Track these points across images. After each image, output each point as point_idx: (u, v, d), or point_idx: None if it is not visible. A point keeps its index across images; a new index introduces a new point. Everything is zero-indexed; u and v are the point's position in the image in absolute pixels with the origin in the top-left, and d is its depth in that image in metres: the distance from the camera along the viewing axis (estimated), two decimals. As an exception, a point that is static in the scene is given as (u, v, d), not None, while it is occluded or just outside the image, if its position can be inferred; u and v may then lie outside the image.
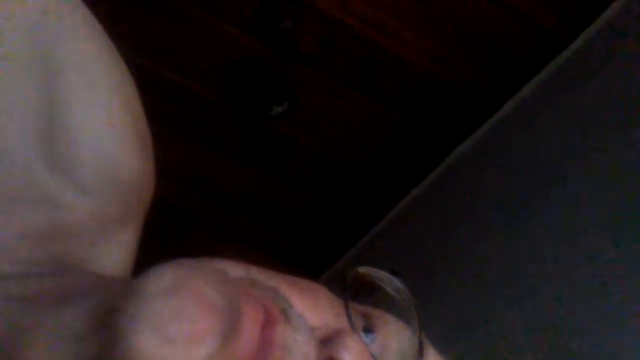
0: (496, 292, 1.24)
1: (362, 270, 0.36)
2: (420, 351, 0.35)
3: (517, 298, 1.19)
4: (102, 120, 0.43)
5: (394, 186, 1.69)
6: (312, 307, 0.32)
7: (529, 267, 1.20)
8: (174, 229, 1.76)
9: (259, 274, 0.32)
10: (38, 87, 0.41)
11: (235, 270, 0.32)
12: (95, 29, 0.45)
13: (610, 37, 1.26)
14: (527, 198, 1.28)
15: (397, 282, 0.37)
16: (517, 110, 1.43)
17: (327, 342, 0.31)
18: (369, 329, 0.35)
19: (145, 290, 0.26)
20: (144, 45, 1.37)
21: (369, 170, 1.67)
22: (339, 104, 1.51)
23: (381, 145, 1.61)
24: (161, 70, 1.43)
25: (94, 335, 0.29)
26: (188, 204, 1.74)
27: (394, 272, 0.37)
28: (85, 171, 0.42)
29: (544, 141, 1.30)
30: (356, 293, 0.35)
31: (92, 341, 0.29)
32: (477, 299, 1.29)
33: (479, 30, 1.35)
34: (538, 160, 1.30)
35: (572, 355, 1.03)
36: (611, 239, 1.06)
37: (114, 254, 0.44)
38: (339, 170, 1.67)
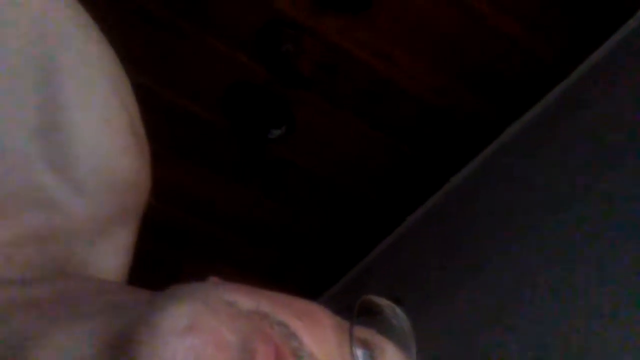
0: (492, 318, 1.24)
1: (367, 297, 0.37)
2: None
3: (513, 325, 1.18)
4: (99, 121, 0.43)
5: (390, 212, 1.69)
6: (319, 341, 0.32)
7: (525, 293, 1.19)
8: (167, 248, 1.75)
9: (268, 305, 0.32)
10: (36, 87, 0.41)
11: (246, 301, 0.31)
12: (93, 32, 0.45)
13: (608, 70, 1.27)
14: (522, 225, 1.28)
15: (398, 311, 0.37)
16: (514, 139, 1.44)
17: None
18: (367, 356, 0.35)
19: (161, 328, 0.26)
20: (142, 65, 1.37)
21: (366, 196, 1.67)
22: (338, 128, 1.52)
23: (378, 171, 1.61)
24: (159, 90, 1.43)
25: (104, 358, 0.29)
26: (183, 225, 1.73)
27: (397, 300, 0.38)
28: (84, 171, 0.42)
29: (541, 169, 1.31)
30: (360, 315, 0.36)
31: None
32: (473, 326, 1.28)
33: (479, 61, 1.37)
34: (534, 188, 1.30)
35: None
36: (604, 266, 1.06)
37: (111, 254, 0.44)
38: (336, 194, 1.67)
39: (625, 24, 1.27)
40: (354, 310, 0.35)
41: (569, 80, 1.37)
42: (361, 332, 0.36)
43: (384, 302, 0.38)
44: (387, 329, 0.37)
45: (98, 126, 0.43)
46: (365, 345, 0.36)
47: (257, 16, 1.33)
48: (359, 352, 0.35)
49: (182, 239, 1.77)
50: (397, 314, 0.37)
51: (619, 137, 1.15)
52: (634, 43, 1.25)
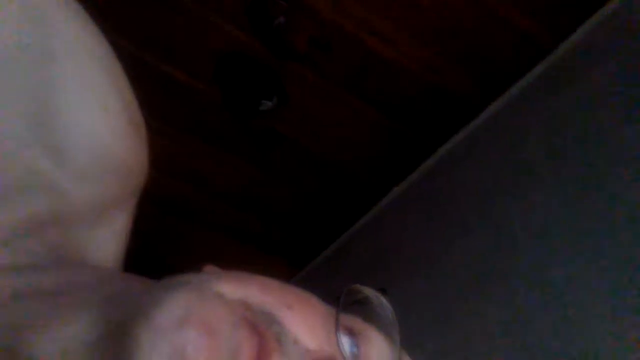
0: (471, 289, 1.27)
1: (354, 286, 0.38)
2: None
3: (492, 295, 1.21)
4: (94, 105, 0.43)
5: (377, 184, 1.71)
6: (307, 329, 0.34)
7: (504, 265, 1.22)
8: (158, 216, 1.76)
9: (258, 294, 0.34)
10: (30, 75, 0.41)
11: (236, 291, 0.33)
12: (85, 20, 0.46)
13: (594, 43, 1.29)
14: (503, 198, 1.30)
15: (383, 300, 0.39)
16: (501, 112, 1.46)
17: None
18: (352, 344, 0.37)
19: (157, 322, 0.29)
20: (134, 36, 1.38)
21: (354, 168, 1.69)
22: (328, 102, 1.53)
23: (367, 144, 1.63)
24: (152, 61, 1.43)
25: (102, 350, 0.31)
26: (174, 194, 1.75)
27: (382, 291, 0.39)
28: (81, 156, 0.42)
29: (524, 144, 1.32)
30: (346, 304, 0.37)
31: (98, 358, 0.31)
32: (454, 294, 1.31)
33: (470, 38, 1.38)
34: (517, 163, 1.32)
35: (546, 350, 1.05)
36: (583, 246, 1.08)
37: (108, 238, 0.45)
38: (324, 166, 1.69)
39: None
40: (341, 298, 0.37)
41: (554, 55, 1.38)
42: (347, 320, 0.38)
43: (370, 292, 0.39)
44: (372, 318, 0.39)
45: (94, 111, 0.43)
46: (351, 332, 0.37)
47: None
48: (345, 339, 0.36)
49: (172, 206, 1.79)
50: (382, 304, 0.39)
51: (606, 113, 1.17)
52: (619, 19, 1.26)
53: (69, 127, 0.42)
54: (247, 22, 1.38)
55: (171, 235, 1.85)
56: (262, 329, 0.32)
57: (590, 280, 1.04)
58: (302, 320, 0.34)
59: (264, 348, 0.31)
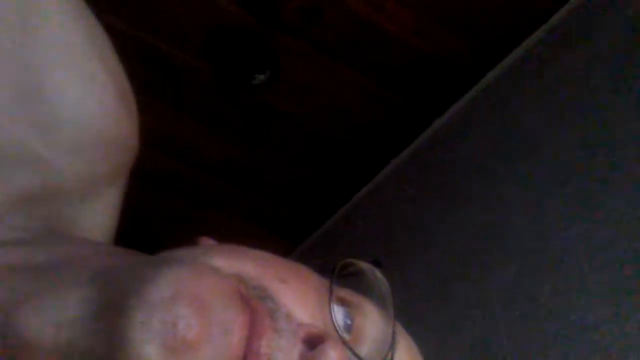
0: (470, 259, 1.27)
1: (348, 259, 0.38)
2: (393, 341, 0.37)
3: (490, 267, 1.21)
4: (82, 80, 0.43)
5: (373, 156, 1.70)
6: (300, 303, 0.34)
7: (503, 236, 1.22)
8: (151, 193, 1.76)
9: (252, 268, 0.34)
10: (12, 48, 0.40)
11: (230, 266, 0.34)
12: None
13: (589, 9, 1.27)
14: (501, 169, 1.30)
15: (377, 272, 0.39)
16: (497, 83, 1.45)
17: (311, 346, 0.33)
18: (346, 315, 0.37)
19: (150, 298, 0.29)
20: (121, 9, 1.35)
21: (349, 141, 1.68)
22: (322, 74, 1.51)
23: (362, 116, 1.62)
24: (140, 34, 1.41)
25: (94, 325, 0.31)
26: (167, 170, 1.74)
27: (376, 263, 0.39)
28: (70, 130, 0.42)
29: (523, 114, 1.31)
30: (341, 276, 0.37)
31: (90, 333, 0.31)
32: (451, 267, 1.31)
33: (465, 5, 1.36)
34: (512, 133, 1.32)
35: (541, 322, 1.06)
36: (579, 214, 1.08)
37: (100, 213, 0.45)
38: (319, 139, 1.68)
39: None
40: (334, 270, 0.37)
41: (551, 22, 1.36)
42: (341, 291, 0.38)
43: (364, 265, 0.39)
44: (366, 290, 0.39)
45: (80, 83, 0.43)
46: (345, 303, 0.37)
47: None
48: (339, 310, 0.36)
49: (165, 184, 1.78)
50: (376, 276, 0.39)
51: (602, 79, 1.16)
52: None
53: (56, 101, 0.41)
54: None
55: (165, 213, 1.84)
56: (255, 304, 0.32)
57: (588, 251, 1.04)
58: (295, 293, 0.34)
59: (256, 325, 0.31)
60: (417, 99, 1.56)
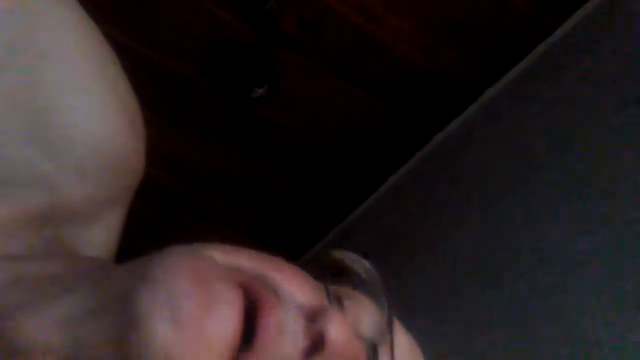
0: (471, 277, 1.26)
1: (335, 253, 0.40)
2: (390, 325, 0.38)
3: (491, 283, 1.20)
4: (92, 104, 0.43)
5: (373, 172, 1.70)
6: (298, 288, 0.35)
7: (503, 253, 1.21)
8: (150, 209, 1.75)
9: (247, 261, 0.35)
10: (23, 71, 0.41)
11: (226, 258, 0.35)
12: (78, 11, 0.45)
13: (589, 29, 1.27)
14: (503, 183, 1.29)
15: (366, 264, 0.40)
16: (497, 98, 1.44)
17: (313, 319, 0.34)
18: (342, 310, 0.38)
19: (155, 275, 0.31)
20: (121, 22, 1.35)
21: (348, 155, 1.67)
22: (321, 87, 1.51)
23: (361, 131, 1.61)
24: (141, 49, 1.41)
25: (101, 316, 0.32)
26: (166, 185, 1.73)
27: (364, 255, 0.40)
28: (79, 153, 0.42)
29: (523, 131, 1.31)
30: (330, 275, 0.39)
31: (94, 323, 0.32)
32: (453, 282, 1.30)
33: (463, 19, 1.36)
34: (516, 149, 1.31)
35: (541, 338, 1.05)
36: (584, 229, 1.07)
37: (102, 234, 0.46)
38: (317, 154, 1.67)
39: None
40: (323, 259, 0.39)
41: (550, 40, 1.36)
42: (335, 289, 0.38)
43: (352, 256, 0.40)
44: (357, 284, 0.40)
45: (92, 111, 0.43)
46: (337, 297, 0.38)
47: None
48: (334, 304, 0.37)
49: (164, 198, 1.77)
50: (365, 267, 0.40)
51: (605, 97, 1.16)
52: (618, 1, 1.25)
53: (66, 124, 0.42)
54: (237, 8, 1.35)
55: (157, 225, 1.83)
56: (255, 284, 0.33)
57: (592, 267, 1.03)
58: (292, 281, 0.35)
59: (261, 298, 0.32)
60: (417, 114, 1.56)
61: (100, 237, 0.46)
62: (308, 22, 1.37)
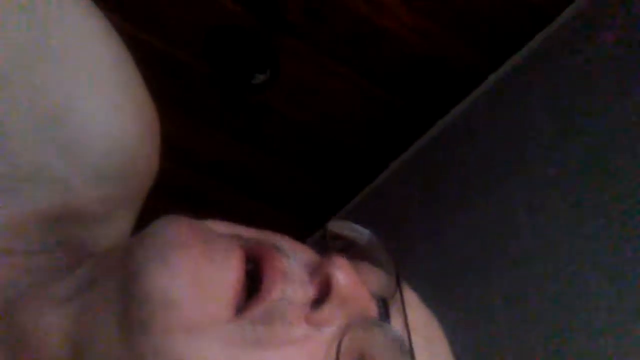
0: (473, 262, 1.26)
1: (333, 227, 0.40)
2: (398, 284, 0.38)
3: (494, 269, 1.20)
4: (108, 108, 0.43)
5: (373, 159, 1.69)
6: (300, 251, 0.36)
7: (506, 238, 1.21)
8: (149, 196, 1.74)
9: (246, 232, 0.36)
10: (37, 73, 0.40)
11: (224, 229, 0.35)
12: (94, 13, 0.45)
13: (592, 14, 1.26)
14: (504, 170, 1.29)
15: (365, 231, 0.40)
16: (500, 83, 1.44)
17: (318, 268, 0.34)
18: None
19: (153, 233, 0.32)
20: (121, 7, 1.34)
21: (350, 142, 1.67)
22: (322, 74, 1.50)
23: (362, 118, 1.61)
24: (140, 34, 1.40)
25: (97, 285, 0.32)
26: (164, 172, 1.72)
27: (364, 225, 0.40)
28: (94, 156, 0.42)
29: (527, 115, 1.31)
30: (333, 247, 0.38)
31: (94, 292, 0.33)
32: (455, 269, 1.31)
33: (465, 4, 1.35)
34: (517, 133, 1.31)
35: (549, 325, 1.05)
36: (587, 214, 1.07)
37: (113, 236, 0.46)
38: (319, 141, 1.67)
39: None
40: (328, 234, 0.39)
41: (553, 25, 1.35)
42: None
43: (351, 226, 0.40)
44: (360, 254, 0.39)
45: (108, 114, 0.43)
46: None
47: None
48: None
49: (164, 187, 1.76)
50: (366, 234, 0.40)
51: (607, 81, 1.15)
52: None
53: (82, 127, 0.42)
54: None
55: (156, 213, 1.82)
56: (257, 247, 0.33)
57: (593, 255, 1.03)
58: (294, 246, 0.36)
59: (266, 253, 0.32)
60: (419, 99, 1.55)
61: (112, 236, 0.46)
62: (310, 8, 1.36)
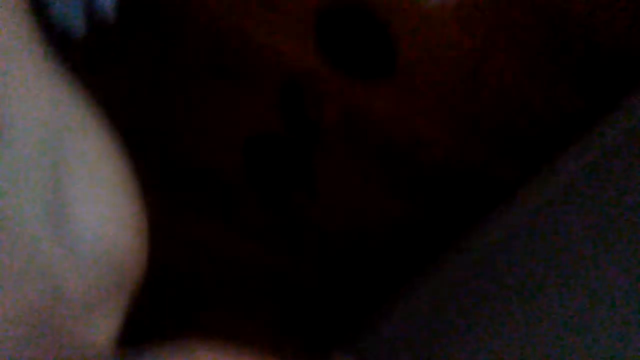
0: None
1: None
2: None
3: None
4: (105, 212, 0.47)
5: (400, 273, 1.67)
6: None
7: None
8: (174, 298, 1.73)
9: None
10: (46, 173, 0.43)
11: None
12: (102, 124, 0.48)
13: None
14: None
15: None
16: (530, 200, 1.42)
17: None
18: None
19: None
20: (155, 112, 1.39)
21: (377, 255, 1.66)
22: (357, 192, 1.51)
23: (394, 231, 1.60)
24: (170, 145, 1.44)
25: None
26: (195, 279, 1.72)
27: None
28: (87, 250, 0.45)
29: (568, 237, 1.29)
30: None
31: None
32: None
33: (494, 120, 1.38)
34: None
35: None
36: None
37: (102, 330, 0.47)
38: (347, 251, 1.66)
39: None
40: None
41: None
42: None
43: None
44: None
45: (104, 217, 0.46)
46: None
47: (280, 75, 1.35)
48: None
49: (194, 292, 1.76)
50: None
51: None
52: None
53: (79, 220, 0.45)
54: (277, 106, 1.39)
55: (187, 319, 1.81)
56: None
57: None
58: None
59: None
60: (447, 215, 1.54)
61: (99, 332, 0.47)
62: (346, 127, 1.40)
